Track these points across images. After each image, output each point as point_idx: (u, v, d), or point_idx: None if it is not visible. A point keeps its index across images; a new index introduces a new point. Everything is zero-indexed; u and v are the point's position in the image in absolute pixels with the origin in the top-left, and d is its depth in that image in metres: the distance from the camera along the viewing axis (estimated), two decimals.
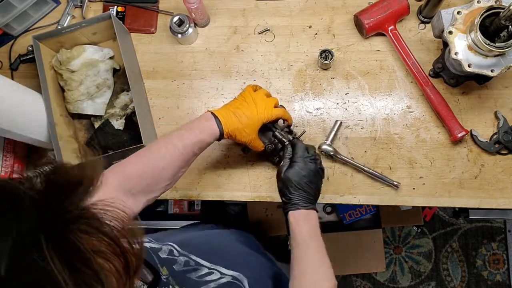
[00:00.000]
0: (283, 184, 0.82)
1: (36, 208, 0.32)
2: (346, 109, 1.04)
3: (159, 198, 1.00)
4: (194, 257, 0.72)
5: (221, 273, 0.70)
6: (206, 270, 0.69)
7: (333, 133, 1.01)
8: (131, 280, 0.36)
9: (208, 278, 0.68)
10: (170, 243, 0.74)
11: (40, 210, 0.32)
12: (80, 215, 0.34)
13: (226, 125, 0.82)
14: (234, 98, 0.88)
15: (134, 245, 0.36)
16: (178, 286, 0.64)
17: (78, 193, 0.35)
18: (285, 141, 0.92)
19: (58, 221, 0.32)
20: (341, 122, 1.02)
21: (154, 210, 1.83)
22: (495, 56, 0.83)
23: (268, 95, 0.90)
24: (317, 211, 0.82)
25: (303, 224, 0.78)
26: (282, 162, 0.86)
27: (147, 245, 0.71)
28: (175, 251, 0.72)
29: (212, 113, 0.83)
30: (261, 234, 1.87)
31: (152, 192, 0.80)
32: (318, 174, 0.84)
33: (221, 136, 0.82)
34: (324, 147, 1.00)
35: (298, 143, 0.88)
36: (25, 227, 0.31)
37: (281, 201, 0.84)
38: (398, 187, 0.98)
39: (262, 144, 0.90)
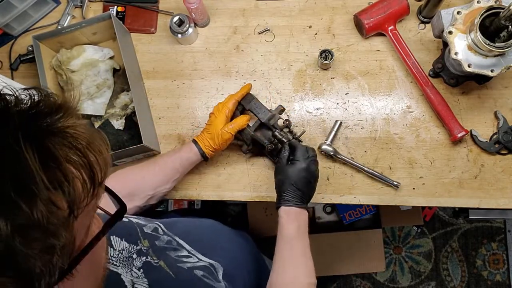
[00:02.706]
0: (279, 180, 0.85)
1: (20, 117, 0.35)
2: (346, 109, 1.04)
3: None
4: (177, 239, 0.74)
5: (199, 259, 0.72)
6: (185, 253, 0.72)
7: (333, 133, 1.01)
8: (95, 190, 0.39)
9: (186, 260, 0.70)
10: (156, 222, 0.76)
11: (23, 120, 0.35)
12: (58, 130, 0.37)
13: (201, 141, 0.94)
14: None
15: (100, 163, 0.40)
16: (156, 258, 0.66)
17: (58, 115, 0.38)
18: (285, 141, 0.92)
19: (38, 129, 0.35)
20: (341, 122, 1.02)
21: (154, 210, 1.83)
22: (495, 56, 0.83)
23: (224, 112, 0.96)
24: (308, 212, 0.84)
25: (292, 222, 0.81)
26: (279, 159, 0.88)
27: (133, 219, 0.74)
28: (160, 229, 0.75)
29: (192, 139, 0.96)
30: (258, 234, 1.88)
31: (133, 200, 0.89)
32: (315, 176, 0.86)
33: (203, 154, 0.94)
34: (324, 147, 1.00)
35: (298, 144, 0.90)
36: (7, 125, 0.34)
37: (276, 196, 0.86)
38: (398, 187, 0.98)
39: (242, 118, 0.94)
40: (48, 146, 0.35)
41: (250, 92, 0.99)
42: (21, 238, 0.32)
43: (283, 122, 0.97)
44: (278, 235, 0.81)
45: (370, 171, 0.98)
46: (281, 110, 0.99)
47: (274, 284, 0.76)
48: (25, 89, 0.38)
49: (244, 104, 0.98)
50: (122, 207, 0.46)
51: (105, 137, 0.42)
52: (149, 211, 0.95)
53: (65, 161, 0.36)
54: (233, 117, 0.98)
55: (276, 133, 0.94)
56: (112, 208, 0.47)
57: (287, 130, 0.97)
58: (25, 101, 0.37)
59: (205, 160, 0.96)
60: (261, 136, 0.96)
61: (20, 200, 0.32)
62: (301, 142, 0.98)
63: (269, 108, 0.98)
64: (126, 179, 0.91)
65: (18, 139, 0.33)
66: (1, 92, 0.37)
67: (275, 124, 0.95)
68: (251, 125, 0.97)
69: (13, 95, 0.37)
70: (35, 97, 0.38)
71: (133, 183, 0.90)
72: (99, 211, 0.46)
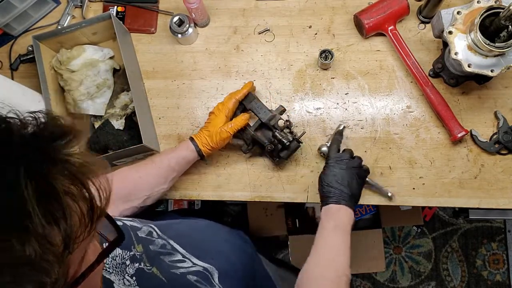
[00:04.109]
0: (318, 183, 0.89)
1: (22, 146, 0.34)
2: (346, 109, 1.04)
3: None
4: (171, 242, 0.73)
5: (193, 263, 0.72)
6: (179, 257, 0.71)
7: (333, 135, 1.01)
8: (93, 225, 0.38)
9: (179, 264, 0.70)
10: (151, 225, 0.75)
11: (25, 146, 0.34)
12: (60, 159, 0.36)
13: (198, 139, 0.94)
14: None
15: (101, 195, 0.39)
16: (149, 264, 0.66)
17: (63, 140, 0.37)
18: (285, 141, 0.92)
19: (39, 158, 0.35)
20: (344, 127, 1.01)
21: (154, 210, 1.83)
22: (495, 56, 0.83)
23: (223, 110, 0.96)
24: (353, 210, 0.86)
25: (330, 219, 0.83)
26: (328, 162, 0.91)
27: (128, 223, 0.73)
28: (154, 233, 0.74)
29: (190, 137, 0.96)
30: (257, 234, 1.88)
31: (130, 201, 0.88)
32: (350, 174, 0.88)
33: (199, 151, 0.93)
34: (324, 148, 0.99)
35: (331, 146, 0.94)
36: (8, 155, 0.33)
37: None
38: (392, 199, 0.97)
39: (242, 118, 0.95)
40: (48, 178, 0.34)
41: (251, 91, 0.99)
42: (11, 276, 0.31)
43: (284, 123, 0.97)
44: (317, 232, 0.84)
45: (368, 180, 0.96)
46: (282, 110, 0.99)
47: (306, 273, 0.78)
48: (31, 112, 0.37)
49: (245, 103, 0.98)
50: (120, 236, 0.44)
51: (107, 166, 0.41)
52: (148, 211, 0.95)
53: (63, 194, 0.35)
54: (234, 116, 0.98)
55: (276, 133, 0.94)
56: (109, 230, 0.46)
57: (288, 130, 0.97)
58: (30, 125, 0.36)
59: (202, 159, 0.95)
60: (262, 136, 0.96)
61: (13, 237, 0.31)
62: (301, 143, 0.98)
63: (270, 108, 0.97)
64: (124, 179, 0.90)
65: (18, 173, 0.32)
66: (6, 116, 0.36)
67: (275, 125, 0.95)
68: (251, 125, 0.97)
69: (18, 118, 0.36)
70: (41, 120, 0.37)
71: (132, 184, 0.90)
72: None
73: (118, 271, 0.62)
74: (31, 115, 0.37)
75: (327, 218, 0.84)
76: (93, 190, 0.38)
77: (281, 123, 0.97)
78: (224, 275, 0.72)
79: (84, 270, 0.40)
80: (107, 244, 0.46)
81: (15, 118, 0.36)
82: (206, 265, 0.72)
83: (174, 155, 0.93)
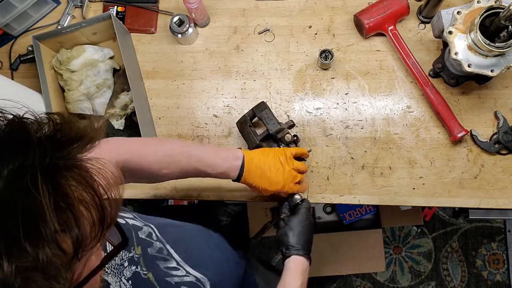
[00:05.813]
0: (287, 231, 0.85)
1: (39, 148, 0.35)
2: (346, 109, 1.04)
3: (158, 198, 1.01)
4: (168, 247, 0.73)
5: (187, 272, 0.71)
6: (174, 264, 0.71)
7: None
8: (103, 233, 0.38)
9: (174, 272, 0.69)
10: (151, 225, 0.74)
11: (42, 151, 0.34)
12: (75, 165, 0.37)
13: (246, 177, 0.82)
14: (274, 150, 0.87)
15: (112, 204, 0.39)
16: (146, 269, 0.66)
17: (78, 145, 0.37)
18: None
19: (55, 164, 0.35)
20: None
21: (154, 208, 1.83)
22: (495, 56, 0.83)
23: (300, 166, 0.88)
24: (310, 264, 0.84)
25: (300, 275, 0.79)
26: (281, 214, 0.89)
27: (130, 221, 0.72)
28: (153, 234, 0.73)
29: (243, 155, 0.82)
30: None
31: (140, 178, 0.81)
32: (313, 225, 0.88)
33: (240, 175, 0.82)
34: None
35: (296, 196, 0.90)
36: (27, 161, 0.34)
37: (280, 249, 0.85)
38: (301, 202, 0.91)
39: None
40: (62, 185, 0.35)
41: (264, 101, 0.97)
42: (22, 281, 0.32)
43: (291, 137, 0.94)
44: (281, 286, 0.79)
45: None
46: (291, 125, 0.97)
47: None
48: (47, 113, 0.37)
49: (256, 111, 0.96)
50: (124, 241, 0.44)
51: (120, 172, 0.40)
52: (148, 207, 0.92)
53: (77, 201, 0.35)
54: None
55: (282, 147, 0.92)
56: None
57: (294, 145, 0.95)
58: (46, 127, 0.36)
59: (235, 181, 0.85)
60: (267, 146, 0.95)
61: (28, 243, 0.31)
62: (305, 160, 0.96)
63: (279, 121, 0.96)
64: (143, 155, 0.78)
65: (36, 179, 0.33)
66: (23, 117, 0.36)
67: (282, 138, 0.93)
68: (258, 134, 0.96)
69: (35, 119, 0.36)
70: (57, 122, 0.37)
71: (147, 165, 0.78)
72: None
73: (115, 273, 0.62)
74: (47, 116, 0.37)
75: (297, 274, 0.79)
76: (104, 198, 0.38)
77: (288, 137, 0.94)
78: (214, 286, 0.72)
79: (87, 274, 0.40)
80: (110, 246, 0.45)
81: (31, 119, 0.36)
82: (199, 275, 0.72)
83: (208, 164, 0.80)
